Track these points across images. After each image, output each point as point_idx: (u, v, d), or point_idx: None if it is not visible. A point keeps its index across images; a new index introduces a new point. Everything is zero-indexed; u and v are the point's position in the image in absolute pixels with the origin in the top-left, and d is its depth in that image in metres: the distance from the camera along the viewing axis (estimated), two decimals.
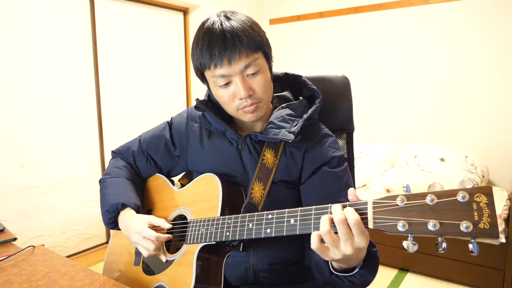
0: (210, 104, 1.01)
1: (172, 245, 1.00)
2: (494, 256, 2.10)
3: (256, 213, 0.81)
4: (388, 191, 2.68)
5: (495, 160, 2.79)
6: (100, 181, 1.10)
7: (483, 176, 2.57)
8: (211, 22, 0.87)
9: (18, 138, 2.27)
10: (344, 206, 0.67)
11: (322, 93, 0.99)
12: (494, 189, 2.69)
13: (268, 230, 0.77)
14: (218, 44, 0.84)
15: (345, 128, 1.15)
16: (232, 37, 0.84)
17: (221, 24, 0.85)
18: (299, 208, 0.74)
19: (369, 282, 0.79)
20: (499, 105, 2.77)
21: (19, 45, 2.25)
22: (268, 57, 0.92)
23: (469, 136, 2.90)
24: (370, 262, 0.75)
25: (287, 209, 0.76)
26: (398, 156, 2.89)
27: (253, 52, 0.86)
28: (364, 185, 2.84)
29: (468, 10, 2.82)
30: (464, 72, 2.88)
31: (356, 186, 1.98)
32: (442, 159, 2.60)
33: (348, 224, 0.64)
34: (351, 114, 1.15)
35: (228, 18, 0.87)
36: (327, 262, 0.79)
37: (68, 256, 2.50)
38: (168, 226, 0.94)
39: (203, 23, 0.90)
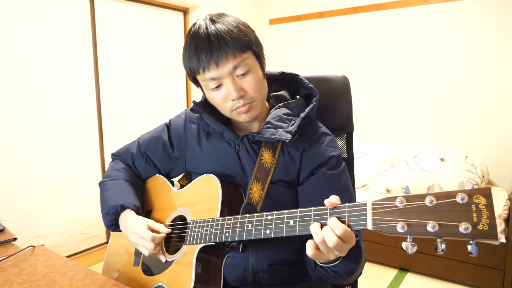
0: (206, 106, 1.01)
1: (172, 245, 1.00)
2: (494, 256, 2.10)
3: (255, 214, 0.81)
4: (388, 191, 2.68)
5: (495, 160, 2.79)
6: (99, 183, 1.10)
7: (483, 176, 2.57)
8: (197, 27, 0.88)
9: (18, 138, 2.27)
10: (339, 219, 0.68)
11: (322, 93, 0.99)
12: (494, 189, 2.68)
13: (268, 231, 0.77)
14: (204, 48, 0.84)
15: (345, 128, 1.15)
16: (217, 39, 0.84)
17: (206, 28, 0.86)
18: (298, 209, 0.74)
19: (353, 271, 0.80)
20: (499, 105, 2.77)
21: (19, 45, 2.24)
22: (258, 56, 0.91)
23: (469, 136, 2.89)
24: (352, 251, 0.75)
25: (286, 210, 0.76)
26: (398, 156, 2.89)
27: (240, 52, 0.86)
28: (364, 185, 2.84)
29: (468, 10, 2.82)
30: (464, 72, 2.88)
31: (356, 186, 1.98)
32: (442, 159, 2.60)
33: (337, 235, 0.67)
34: (351, 114, 1.15)
35: (213, 22, 0.87)
36: None
37: (68, 256, 2.50)
38: (167, 231, 0.94)
39: (190, 28, 0.90)
